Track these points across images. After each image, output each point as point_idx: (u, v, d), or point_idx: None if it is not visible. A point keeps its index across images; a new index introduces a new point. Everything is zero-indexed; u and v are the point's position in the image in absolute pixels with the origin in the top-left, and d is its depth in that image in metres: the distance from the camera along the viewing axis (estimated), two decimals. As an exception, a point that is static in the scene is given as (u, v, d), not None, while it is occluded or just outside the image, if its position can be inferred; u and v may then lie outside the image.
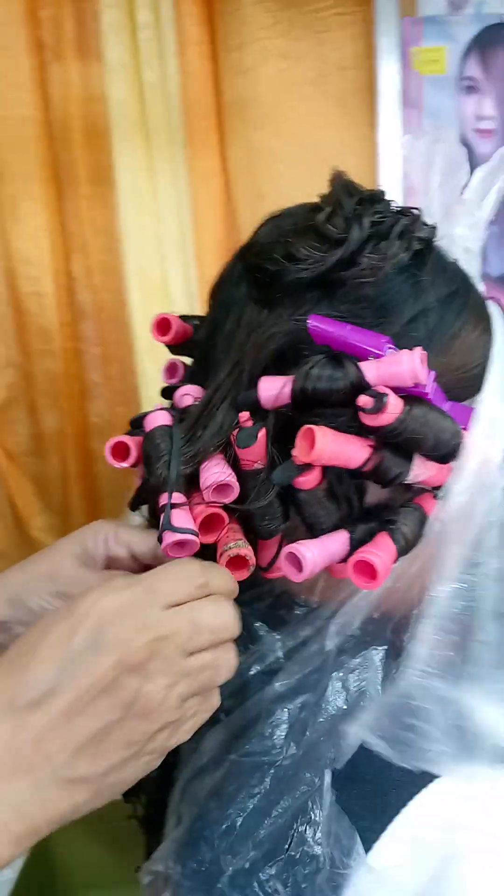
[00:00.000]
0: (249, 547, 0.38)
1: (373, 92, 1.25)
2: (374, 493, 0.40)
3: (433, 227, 0.41)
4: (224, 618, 0.35)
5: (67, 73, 1.38)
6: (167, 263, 1.38)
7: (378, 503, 0.40)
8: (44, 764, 0.29)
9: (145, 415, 0.41)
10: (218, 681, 0.34)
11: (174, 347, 0.47)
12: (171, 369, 0.49)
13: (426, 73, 1.15)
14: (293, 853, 0.34)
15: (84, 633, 0.31)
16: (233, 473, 0.38)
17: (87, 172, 1.41)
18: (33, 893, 0.61)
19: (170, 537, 0.36)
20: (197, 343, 0.46)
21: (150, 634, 0.31)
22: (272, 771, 0.37)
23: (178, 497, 0.38)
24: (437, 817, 0.34)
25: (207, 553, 0.38)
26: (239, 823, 0.37)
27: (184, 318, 0.47)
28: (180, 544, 0.37)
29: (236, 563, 0.37)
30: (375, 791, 0.36)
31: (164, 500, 0.37)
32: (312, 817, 0.34)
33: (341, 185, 0.40)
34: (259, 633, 0.43)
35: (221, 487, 0.38)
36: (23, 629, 0.36)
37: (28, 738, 0.29)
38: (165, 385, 0.47)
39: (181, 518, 0.37)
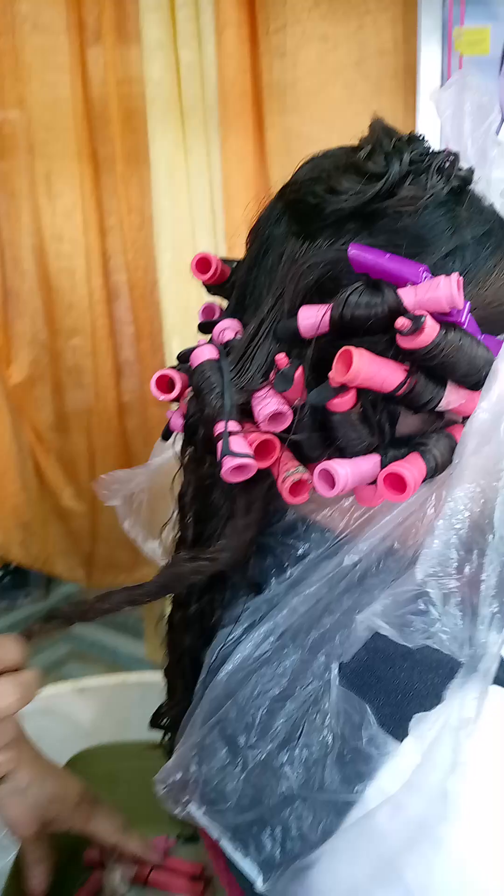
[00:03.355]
0: (308, 471, 0.39)
1: (412, 76, 1.26)
2: (407, 424, 0.41)
3: (470, 169, 0.42)
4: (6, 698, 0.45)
5: (106, 53, 1.40)
6: (197, 242, 1.39)
7: (410, 434, 0.41)
8: None
9: (192, 349, 0.43)
10: None
11: (211, 288, 0.49)
12: (207, 311, 0.50)
13: (469, 53, 1.15)
14: (305, 739, 0.36)
15: None
16: (285, 402, 0.39)
17: (123, 151, 1.43)
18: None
19: (230, 462, 0.38)
20: (235, 283, 0.47)
21: None
22: (286, 663, 0.39)
23: (232, 425, 0.39)
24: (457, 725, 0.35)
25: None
26: (257, 720, 0.38)
27: (222, 260, 0.49)
28: (240, 468, 0.39)
29: (298, 487, 0.40)
30: (399, 701, 0.37)
31: (220, 428, 0.39)
32: (322, 707, 0.36)
33: (380, 127, 0.42)
34: (284, 559, 0.45)
35: (276, 416, 0.39)
36: None
37: None
38: (202, 322, 0.49)
39: (238, 444, 0.39)
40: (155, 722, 0.55)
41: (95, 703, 0.69)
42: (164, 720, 0.56)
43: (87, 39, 1.43)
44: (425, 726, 0.35)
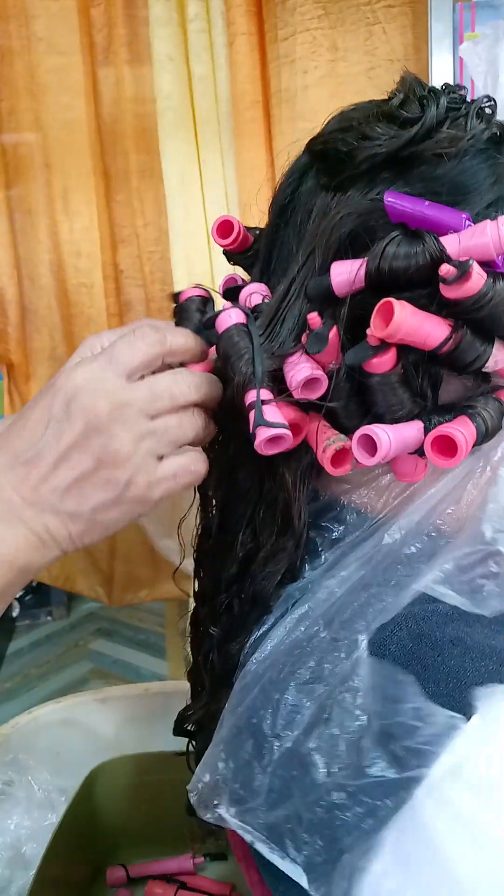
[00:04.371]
0: (349, 440, 0.36)
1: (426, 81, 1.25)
2: (450, 390, 0.38)
3: None
4: (181, 384, 0.39)
5: (117, 72, 1.40)
6: (213, 254, 1.38)
7: (454, 402, 0.38)
8: (42, 502, 0.38)
9: (217, 314, 0.40)
10: (184, 439, 0.39)
11: (233, 256, 0.47)
12: (229, 282, 0.48)
13: (480, 56, 1.14)
14: (336, 721, 0.33)
15: (59, 404, 0.37)
16: (319, 367, 0.37)
17: (137, 167, 1.43)
18: (74, 843, 0.59)
19: (264, 433, 0.35)
20: (259, 250, 0.45)
21: (110, 402, 0.37)
22: (314, 642, 0.36)
23: (265, 394, 0.37)
24: None
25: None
26: (283, 705, 0.35)
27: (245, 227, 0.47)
28: (275, 440, 0.36)
29: (340, 457, 0.37)
30: (452, 690, 0.34)
31: (251, 397, 0.36)
32: (351, 683, 0.33)
33: (412, 78, 0.40)
34: (318, 543, 0.42)
35: (310, 382, 0.37)
36: None
37: (29, 485, 0.38)
38: (227, 288, 0.46)
39: (271, 414, 0.36)
40: (179, 728, 0.52)
41: (118, 714, 0.65)
42: (189, 725, 0.52)
43: (98, 59, 1.44)
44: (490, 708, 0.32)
